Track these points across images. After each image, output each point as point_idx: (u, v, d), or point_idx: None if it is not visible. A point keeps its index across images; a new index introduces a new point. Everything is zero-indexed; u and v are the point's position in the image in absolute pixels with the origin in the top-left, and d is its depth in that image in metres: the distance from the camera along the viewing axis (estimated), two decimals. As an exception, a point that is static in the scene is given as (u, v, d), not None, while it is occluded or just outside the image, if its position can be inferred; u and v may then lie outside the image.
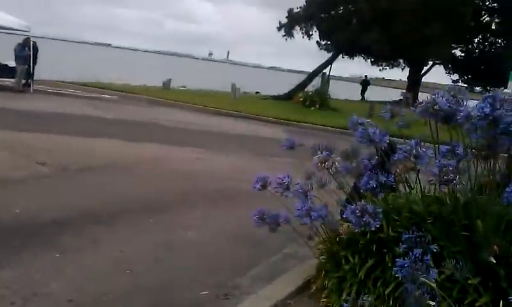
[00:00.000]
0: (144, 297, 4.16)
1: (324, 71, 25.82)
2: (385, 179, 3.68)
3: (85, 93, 20.06)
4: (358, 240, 3.96)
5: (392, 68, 38.67)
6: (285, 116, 18.06)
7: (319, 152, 3.88)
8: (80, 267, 4.55)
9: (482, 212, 3.76)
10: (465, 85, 46.51)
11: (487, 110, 3.22)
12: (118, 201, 6.59)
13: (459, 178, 3.30)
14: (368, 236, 3.91)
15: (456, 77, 44.28)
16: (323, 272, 4.25)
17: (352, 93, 37.14)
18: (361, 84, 40.04)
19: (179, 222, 6.13)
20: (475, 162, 3.75)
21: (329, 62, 26.34)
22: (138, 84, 24.58)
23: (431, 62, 37.13)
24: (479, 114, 3.26)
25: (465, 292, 3.38)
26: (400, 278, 3.03)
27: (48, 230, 5.28)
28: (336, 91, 26.28)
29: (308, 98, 22.47)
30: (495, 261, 3.13)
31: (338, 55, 27.54)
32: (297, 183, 4.21)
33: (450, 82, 47.65)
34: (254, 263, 5.12)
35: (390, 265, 3.76)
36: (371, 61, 35.03)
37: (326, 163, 3.68)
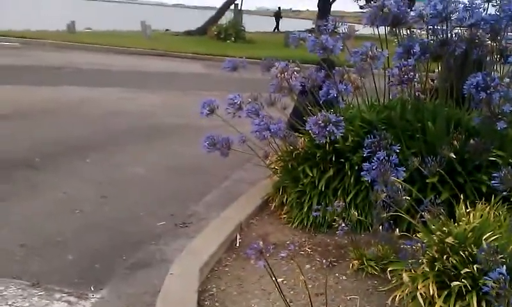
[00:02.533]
0: (99, 234, 3.98)
1: (236, 2, 25.36)
2: (344, 88, 3.66)
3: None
4: (315, 153, 3.98)
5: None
6: (203, 51, 17.66)
7: (276, 64, 3.77)
8: (25, 213, 4.27)
9: (432, 115, 3.88)
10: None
11: (439, 7, 3.24)
12: (46, 146, 6.18)
13: (418, 75, 3.35)
14: (325, 148, 3.95)
15: (362, 2, 45.13)
16: (280, 190, 4.26)
17: (264, 25, 36.96)
18: (274, 16, 39.84)
19: (118, 160, 5.89)
20: (426, 65, 3.83)
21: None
22: (39, 29, 22.93)
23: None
24: (431, 11, 3.28)
25: (424, 191, 3.51)
26: (368, 181, 3.07)
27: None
28: (249, 24, 26.02)
29: (222, 31, 22.08)
30: (455, 157, 3.25)
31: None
32: (249, 102, 4.11)
33: (357, 9, 48.71)
34: (205, 191, 5.05)
35: (349, 173, 3.83)
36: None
37: (286, 73, 3.60)
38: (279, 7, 40.31)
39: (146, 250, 3.76)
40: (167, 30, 27.29)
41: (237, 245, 3.71)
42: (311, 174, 3.92)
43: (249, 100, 4.18)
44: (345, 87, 3.76)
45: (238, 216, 4.04)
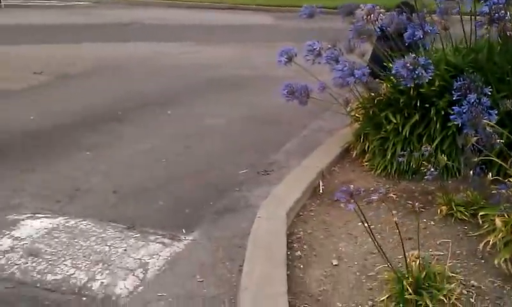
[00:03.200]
0: (185, 182, 4.13)
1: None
2: (430, 29, 3.52)
3: (59, 2, 19.14)
4: (398, 99, 3.90)
5: None
6: (273, 2, 17.44)
7: (360, 9, 3.67)
8: (114, 162, 4.49)
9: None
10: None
11: None
12: (126, 100, 6.43)
13: (509, 14, 3.18)
14: (409, 93, 3.85)
15: None
16: (361, 137, 4.22)
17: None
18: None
19: (197, 112, 6.02)
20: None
21: None
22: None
23: None
24: None
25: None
26: (459, 124, 2.98)
27: (69, 132, 5.17)
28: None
29: (290, -18, 21.65)
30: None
31: None
32: (328, 48, 4.05)
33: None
34: (284, 140, 5.09)
35: (434, 119, 3.73)
36: None
37: (372, 15, 3.51)
38: None
39: (231, 196, 3.87)
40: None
41: (321, 191, 3.73)
42: (394, 121, 3.85)
43: (328, 46, 4.11)
44: (431, 28, 3.60)
45: (319, 164, 4.05)
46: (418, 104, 3.83)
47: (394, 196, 3.61)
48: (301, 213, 3.42)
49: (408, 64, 3.20)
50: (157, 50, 9.84)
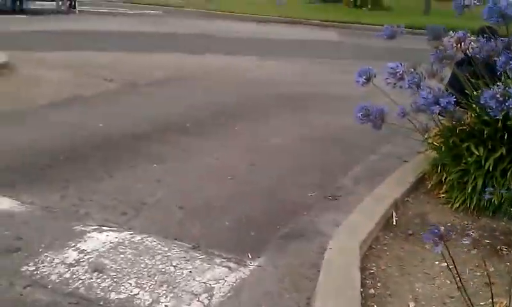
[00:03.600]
0: (251, 201, 4.02)
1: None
2: None
3: (129, 10, 19.68)
4: (482, 130, 3.66)
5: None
6: (335, 18, 17.29)
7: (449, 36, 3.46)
8: (180, 175, 4.45)
9: None
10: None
11: None
12: (196, 111, 6.43)
13: None
14: (495, 125, 3.61)
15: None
16: (438, 167, 3.99)
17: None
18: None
19: (262, 129, 5.94)
20: None
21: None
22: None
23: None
24: None
25: None
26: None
27: (136, 142, 5.18)
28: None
29: (359, -2, 21.46)
30: None
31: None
32: (412, 72, 3.85)
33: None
34: (351, 164, 4.92)
35: (523, 153, 3.47)
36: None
37: (463, 44, 3.30)
38: None
39: (299, 220, 3.73)
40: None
41: (394, 223, 3.54)
42: (477, 153, 3.61)
43: (410, 70, 3.92)
44: None
45: (392, 193, 3.86)
46: (505, 137, 3.58)
47: (475, 234, 3.38)
48: (373, 247, 3.24)
49: (498, 95, 2.98)
50: (228, 63, 9.89)
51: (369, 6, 21.03)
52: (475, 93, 3.92)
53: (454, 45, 3.39)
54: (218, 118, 6.20)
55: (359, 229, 3.24)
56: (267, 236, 3.47)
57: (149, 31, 14.02)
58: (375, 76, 4.14)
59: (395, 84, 3.85)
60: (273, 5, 20.80)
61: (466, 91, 4.03)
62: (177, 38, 13.05)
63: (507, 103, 2.94)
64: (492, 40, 3.81)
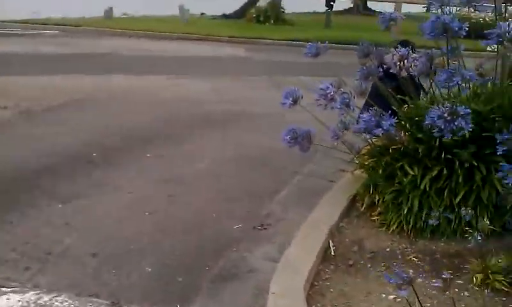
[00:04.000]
0: (174, 239, 3.63)
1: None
2: (470, 74, 3.12)
3: (22, 30, 18.41)
4: (416, 149, 3.51)
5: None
6: (242, 34, 17.14)
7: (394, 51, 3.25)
8: (91, 216, 3.95)
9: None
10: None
11: None
12: (103, 138, 5.87)
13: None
14: (429, 143, 3.48)
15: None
16: (371, 188, 3.81)
17: (303, 5, 35.89)
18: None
19: (179, 153, 5.53)
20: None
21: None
22: (77, 15, 22.79)
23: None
24: None
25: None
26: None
27: (37, 179, 4.57)
28: (288, 5, 25.28)
29: (262, 14, 21.44)
30: None
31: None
32: (343, 93, 3.65)
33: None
34: (277, 187, 4.66)
35: (459, 172, 3.36)
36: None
37: (406, 61, 3.10)
38: None
39: (229, 258, 3.39)
40: (202, 14, 26.76)
41: (333, 253, 3.29)
42: (412, 172, 3.46)
43: (341, 90, 3.74)
44: (470, 73, 3.21)
45: (326, 219, 3.63)
46: (439, 155, 3.45)
47: (415, 259, 3.21)
48: (316, 283, 2.97)
49: (446, 115, 2.82)
50: (136, 84, 9.28)
51: (272, 21, 21.13)
52: (405, 108, 3.81)
53: (398, 63, 3.19)
54: (130, 144, 5.70)
55: (300, 266, 2.95)
56: (197, 281, 3.09)
57: (47, 52, 13.08)
58: (301, 97, 3.92)
59: (326, 105, 3.62)
60: (179, 22, 20.35)
61: (393, 107, 3.91)
62: (79, 58, 12.25)
63: (456, 123, 2.79)
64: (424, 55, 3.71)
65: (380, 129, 3.12)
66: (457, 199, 3.32)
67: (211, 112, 7.32)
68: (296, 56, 14.92)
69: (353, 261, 3.18)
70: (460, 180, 3.35)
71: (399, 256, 3.23)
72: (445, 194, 3.38)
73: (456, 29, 3.09)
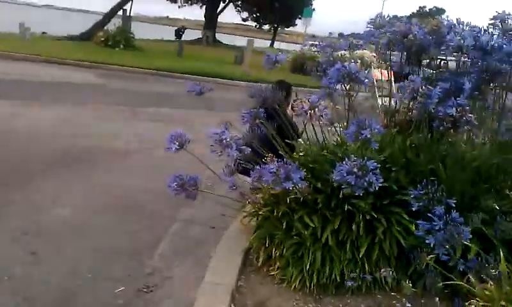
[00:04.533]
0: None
1: (124, 8, 23.81)
2: (377, 128, 2.99)
3: None
4: (315, 199, 3.35)
5: (191, 4, 38.13)
6: (92, 59, 16.15)
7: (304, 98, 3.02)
8: None
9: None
10: (255, 23, 48.52)
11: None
12: None
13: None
14: (326, 193, 3.34)
15: (245, 15, 45.78)
16: (266, 240, 3.57)
17: (150, 32, 35.44)
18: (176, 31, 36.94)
19: (35, 200, 4.79)
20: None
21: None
22: None
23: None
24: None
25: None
26: (432, 245, 2.52)
27: None
28: (139, 31, 24.66)
29: (110, 38, 20.54)
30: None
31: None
32: (238, 139, 3.36)
33: (240, 21, 49.33)
34: (154, 238, 4.22)
35: (361, 224, 3.25)
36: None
37: (316, 109, 2.89)
38: (182, 26, 37.50)
39: (115, 335, 2.89)
40: (44, 33, 24.95)
41: (237, 322, 2.95)
42: (312, 224, 3.28)
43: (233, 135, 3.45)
44: (378, 126, 3.09)
45: (222, 279, 3.29)
46: (337, 205, 3.32)
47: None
48: None
49: (356, 170, 2.67)
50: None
51: (122, 47, 20.37)
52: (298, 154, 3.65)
53: (309, 111, 2.98)
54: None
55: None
56: None
57: None
58: (189, 142, 3.56)
59: (221, 151, 3.31)
60: (19, 41, 18.62)
61: (280, 152, 3.74)
62: None
63: (367, 178, 2.65)
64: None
65: (290, 183, 2.88)
66: (361, 253, 3.19)
67: (68, 148, 6.57)
68: (152, 85, 14.47)
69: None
70: (361, 232, 3.24)
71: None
72: (347, 247, 3.25)
73: (363, 78, 2.99)
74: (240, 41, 40.65)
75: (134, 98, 11.03)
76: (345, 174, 2.71)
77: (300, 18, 40.64)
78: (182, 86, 14.47)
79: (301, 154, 3.68)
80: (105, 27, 22.12)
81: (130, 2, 23.65)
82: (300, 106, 2.82)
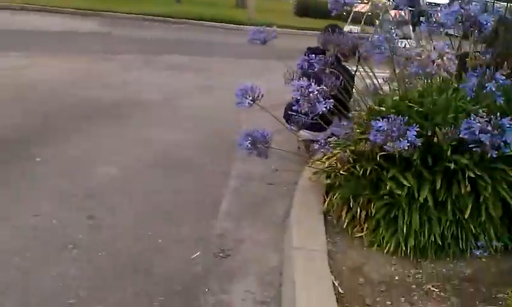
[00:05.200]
0: (120, 284, 2.75)
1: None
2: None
3: None
4: (410, 155, 3.02)
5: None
6: (90, 6, 15.36)
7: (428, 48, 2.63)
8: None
9: None
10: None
11: None
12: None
13: None
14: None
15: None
16: (350, 201, 3.27)
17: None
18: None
19: (78, 155, 4.47)
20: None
21: None
22: None
23: None
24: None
25: None
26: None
27: None
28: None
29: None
30: None
31: None
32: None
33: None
34: (214, 196, 3.93)
35: (465, 182, 2.95)
36: None
37: (445, 57, 2.50)
38: None
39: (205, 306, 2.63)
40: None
41: (341, 292, 2.68)
42: (408, 183, 2.98)
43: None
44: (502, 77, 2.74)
45: (312, 244, 3.00)
46: (434, 163, 3.02)
47: (435, 289, 2.74)
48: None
49: (490, 128, 2.33)
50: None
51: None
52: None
53: (438, 60, 2.59)
54: (4, 149, 4.47)
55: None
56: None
57: None
58: (262, 96, 3.21)
59: (309, 106, 2.96)
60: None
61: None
62: None
63: (503, 137, 2.34)
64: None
65: (405, 142, 2.56)
66: (466, 214, 2.92)
67: (92, 100, 6.20)
68: (158, 32, 13.87)
69: (370, 301, 2.61)
70: (463, 191, 2.95)
71: (414, 286, 2.74)
72: (448, 207, 2.96)
73: (484, 22, 2.63)
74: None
75: (143, 46, 10.54)
76: (476, 133, 2.39)
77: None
78: (185, 31, 14.09)
79: (382, 107, 3.34)
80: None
81: None
82: (426, 54, 2.45)
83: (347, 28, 15.37)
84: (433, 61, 2.38)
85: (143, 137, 5.10)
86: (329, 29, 4.72)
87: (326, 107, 2.96)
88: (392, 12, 4.69)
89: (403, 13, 14.60)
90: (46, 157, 4.34)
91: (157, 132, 5.30)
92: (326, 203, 3.42)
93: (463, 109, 3.07)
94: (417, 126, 2.75)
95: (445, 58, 2.37)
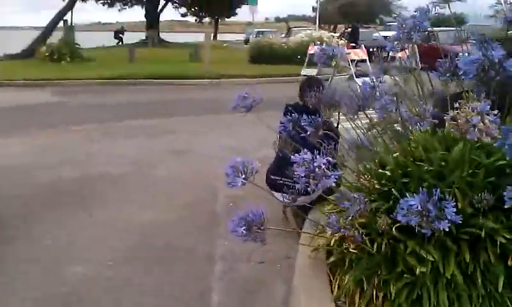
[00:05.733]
0: None
1: (65, 18, 22.36)
2: None
3: None
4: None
5: (131, 6, 37.09)
6: (40, 76, 14.92)
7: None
8: None
9: None
10: (195, 17, 47.37)
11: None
12: None
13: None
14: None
15: (183, 10, 44.68)
16: (364, 283, 2.88)
17: (91, 40, 33.93)
18: (115, 33, 36.22)
19: (50, 254, 3.94)
20: None
21: (68, 8, 22.80)
22: None
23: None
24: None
25: None
26: None
27: None
28: (82, 41, 23.31)
29: (55, 51, 19.18)
30: None
31: (75, 1, 23.93)
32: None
33: (179, 17, 48.13)
34: (201, 288, 3.45)
35: (495, 249, 2.61)
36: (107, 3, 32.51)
37: (486, 121, 2.14)
38: (122, 27, 36.74)
39: None
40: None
41: None
42: (431, 258, 2.61)
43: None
44: None
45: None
46: (459, 230, 2.67)
47: None
48: None
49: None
50: None
51: (68, 59, 19.05)
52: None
53: (477, 124, 2.22)
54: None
55: None
56: None
57: None
58: (256, 172, 2.81)
59: (315, 183, 2.57)
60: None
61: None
62: None
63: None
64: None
65: (446, 221, 2.18)
66: (500, 286, 2.56)
67: (54, 182, 5.67)
68: (113, 95, 13.36)
69: None
70: (493, 260, 2.60)
71: None
72: (479, 280, 2.60)
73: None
74: (185, 37, 39.75)
75: (102, 113, 10.09)
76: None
77: (240, 8, 40.14)
78: (144, 93, 13.66)
79: (387, 170, 3.00)
80: (48, 41, 20.76)
81: (71, 10, 22.27)
82: (463, 119, 2.09)
83: (303, 72, 15.38)
84: (474, 126, 2.04)
85: (114, 222, 4.61)
86: (308, 84, 4.44)
87: (335, 181, 2.58)
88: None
89: (361, 53, 14.79)
90: (19, 255, 3.81)
91: (129, 212, 4.82)
92: (336, 287, 3.01)
93: (478, 163, 2.77)
94: (438, 190, 2.40)
95: (486, 121, 2.03)
